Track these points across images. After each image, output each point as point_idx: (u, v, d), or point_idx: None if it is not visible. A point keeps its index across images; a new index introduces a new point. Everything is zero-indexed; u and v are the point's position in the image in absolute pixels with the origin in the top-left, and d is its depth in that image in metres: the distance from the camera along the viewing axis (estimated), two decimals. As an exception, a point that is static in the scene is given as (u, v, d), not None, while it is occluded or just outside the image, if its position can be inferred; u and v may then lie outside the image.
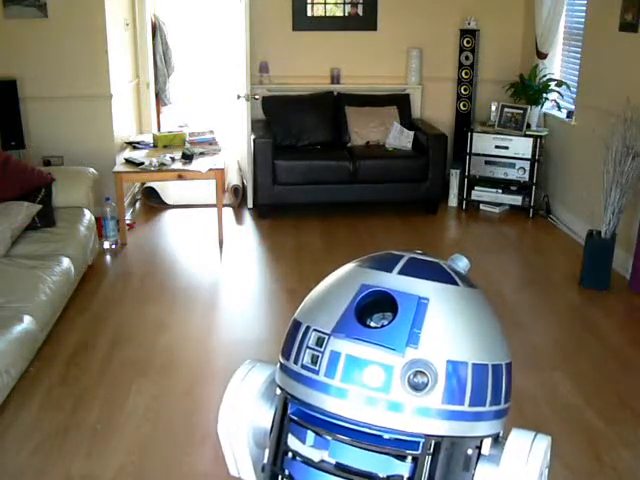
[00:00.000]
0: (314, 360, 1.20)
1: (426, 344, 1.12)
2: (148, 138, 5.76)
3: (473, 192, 5.81)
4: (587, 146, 5.00)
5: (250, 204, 5.82)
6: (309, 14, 6.16)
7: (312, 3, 6.14)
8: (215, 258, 4.80)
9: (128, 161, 5.06)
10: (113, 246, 4.88)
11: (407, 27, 6.23)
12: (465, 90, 6.20)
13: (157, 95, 6.77)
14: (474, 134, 5.72)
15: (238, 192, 5.94)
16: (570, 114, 5.38)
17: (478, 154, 5.73)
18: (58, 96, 5.08)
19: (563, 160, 5.46)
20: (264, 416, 1.32)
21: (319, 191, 5.55)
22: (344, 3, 6.18)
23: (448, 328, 1.16)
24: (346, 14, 6.22)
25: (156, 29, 6.66)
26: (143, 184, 5.97)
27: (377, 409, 1.13)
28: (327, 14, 6.21)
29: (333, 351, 1.17)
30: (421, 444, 1.15)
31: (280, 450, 1.26)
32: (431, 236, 5.26)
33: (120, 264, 4.69)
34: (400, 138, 5.78)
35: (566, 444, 2.74)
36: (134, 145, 5.57)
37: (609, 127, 4.18)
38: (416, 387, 1.10)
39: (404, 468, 1.15)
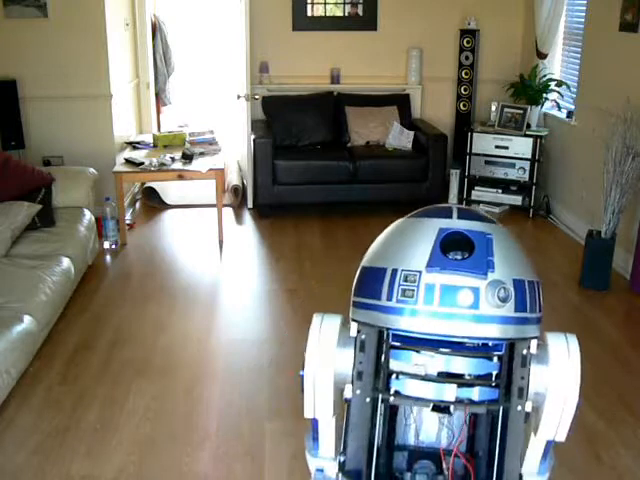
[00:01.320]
0: (408, 294, 1.56)
1: (498, 268, 1.55)
2: (148, 138, 5.77)
3: (473, 192, 5.81)
4: (587, 146, 5.00)
5: (250, 204, 5.82)
6: (309, 14, 6.17)
7: (312, 3, 6.14)
8: (215, 258, 4.80)
9: (128, 161, 5.06)
10: (113, 246, 4.88)
11: (407, 27, 6.23)
12: (465, 90, 6.20)
13: (157, 95, 6.77)
14: (474, 134, 5.72)
15: (238, 192, 5.94)
16: (570, 114, 5.38)
17: (478, 154, 5.73)
18: (58, 96, 5.08)
19: (563, 160, 5.46)
20: (343, 358, 1.71)
21: (319, 191, 5.55)
22: (344, 3, 6.18)
23: (509, 255, 1.60)
24: (346, 14, 6.22)
25: (156, 29, 6.66)
26: (143, 184, 5.97)
27: (470, 323, 1.53)
28: (327, 14, 6.21)
29: (428, 283, 1.55)
30: (504, 346, 1.61)
31: (381, 375, 1.62)
32: (431, 236, 5.25)
33: (120, 264, 4.69)
34: (400, 138, 5.78)
35: (566, 444, 2.73)
36: (134, 145, 5.57)
37: (609, 127, 4.18)
38: (503, 300, 1.52)
39: (493, 367, 1.61)
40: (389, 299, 1.58)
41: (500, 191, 5.73)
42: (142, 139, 5.76)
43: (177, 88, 7.23)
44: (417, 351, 1.62)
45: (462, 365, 1.61)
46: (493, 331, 1.56)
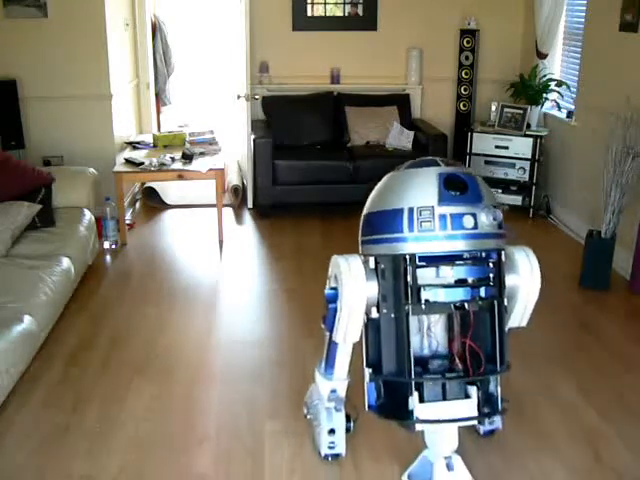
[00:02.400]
0: (426, 225, 2.10)
1: (485, 198, 2.17)
2: (148, 138, 5.76)
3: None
4: (587, 146, 5.00)
5: (250, 204, 5.82)
6: (309, 14, 6.17)
7: (312, 3, 6.14)
8: (215, 258, 4.80)
9: (128, 161, 5.06)
10: (113, 246, 4.88)
11: (407, 27, 6.24)
12: (465, 90, 6.20)
13: (157, 95, 6.77)
14: (474, 134, 5.72)
15: (238, 192, 5.94)
16: (570, 114, 5.38)
17: (478, 154, 5.73)
18: (58, 96, 5.08)
19: (563, 160, 5.46)
20: (371, 287, 2.22)
21: (319, 191, 5.55)
22: (344, 3, 6.19)
23: (486, 188, 2.22)
24: (346, 14, 6.22)
25: (156, 29, 6.66)
26: (143, 184, 5.97)
27: (473, 240, 2.12)
28: (327, 14, 6.21)
29: (441, 214, 2.10)
30: (496, 254, 2.22)
31: (412, 292, 2.14)
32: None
33: (120, 264, 4.69)
34: (400, 138, 5.78)
35: (566, 444, 2.74)
36: (134, 145, 5.57)
37: (609, 127, 4.18)
38: (495, 219, 2.13)
39: (490, 271, 2.22)
40: (411, 230, 2.13)
41: (500, 191, 5.72)
42: (142, 139, 5.76)
43: (177, 88, 7.23)
44: (437, 267, 2.17)
45: (470, 272, 2.19)
46: (490, 244, 2.19)
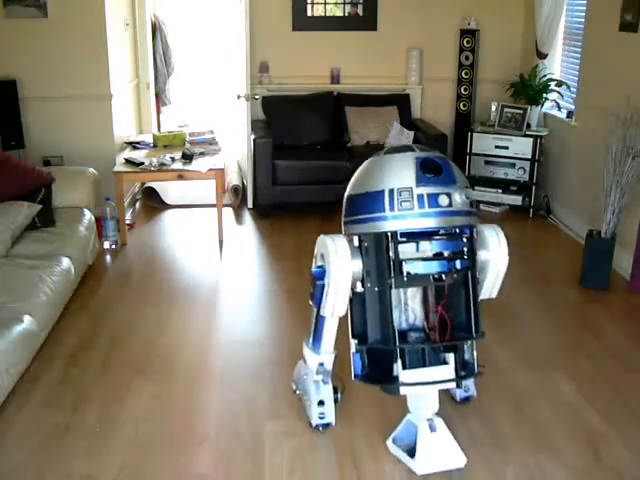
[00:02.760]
0: (405, 204, 2.32)
1: (457, 180, 2.44)
2: (148, 138, 5.76)
3: (473, 192, 5.80)
4: (587, 146, 5.00)
5: (250, 204, 5.82)
6: (309, 14, 6.17)
7: (312, 3, 6.14)
8: (215, 258, 4.80)
9: (128, 161, 5.06)
10: (113, 246, 4.88)
11: (407, 27, 6.24)
12: (465, 90, 6.20)
13: (157, 95, 6.77)
14: (474, 134, 5.72)
15: (238, 192, 5.94)
16: (570, 114, 5.38)
17: (478, 154, 5.73)
18: (58, 96, 5.08)
19: (563, 160, 5.46)
20: (356, 263, 2.44)
21: (319, 191, 5.55)
22: (344, 3, 6.19)
23: (457, 171, 2.49)
24: (346, 14, 6.22)
25: (156, 29, 6.66)
26: (143, 184, 5.97)
27: (449, 217, 2.35)
28: (327, 14, 6.21)
29: (419, 194, 2.33)
30: (469, 230, 2.46)
31: (394, 266, 2.36)
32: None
33: (120, 264, 4.69)
34: (400, 138, 5.78)
35: (566, 444, 2.74)
36: (134, 145, 5.57)
37: (609, 127, 4.18)
38: (468, 198, 2.39)
39: (464, 246, 2.46)
40: (392, 210, 2.36)
41: (500, 191, 5.72)
42: (142, 139, 5.76)
43: (177, 88, 7.23)
44: (417, 242, 2.41)
45: (447, 246, 2.44)
46: (463, 221, 2.44)
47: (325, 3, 6.17)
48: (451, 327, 2.52)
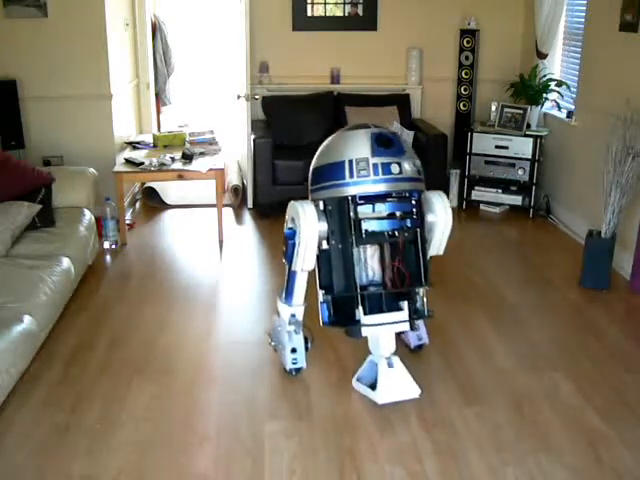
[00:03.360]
0: (363, 172, 2.77)
1: (406, 151, 2.90)
2: (148, 138, 5.76)
3: (473, 192, 5.81)
4: (587, 146, 5.00)
5: (250, 204, 5.82)
6: (309, 14, 6.17)
7: (312, 3, 6.14)
8: (215, 258, 4.80)
9: (128, 161, 5.06)
10: (113, 246, 4.88)
11: (407, 27, 6.24)
12: (465, 90, 6.21)
13: (157, 95, 6.77)
14: (474, 134, 5.72)
15: (238, 192, 5.94)
16: (570, 114, 5.38)
17: (478, 154, 5.73)
18: (58, 96, 5.08)
19: (563, 160, 5.46)
20: (322, 225, 2.88)
21: (319, 191, 5.53)
22: (344, 3, 6.19)
23: (406, 144, 2.93)
24: (346, 14, 6.22)
25: (156, 29, 6.66)
26: (143, 184, 5.97)
27: (400, 183, 2.80)
28: (327, 14, 6.21)
29: (374, 163, 2.78)
30: (417, 194, 2.90)
31: (354, 225, 2.81)
32: (431, 236, 5.25)
33: (120, 264, 4.69)
34: (400, 138, 5.77)
35: (566, 444, 2.74)
36: (134, 145, 5.57)
37: (609, 127, 4.18)
38: (415, 166, 2.85)
39: (413, 207, 2.89)
40: (351, 177, 2.82)
41: (500, 191, 5.73)
42: (142, 139, 5.76)
43: (177, 88, 7.23)
44: (373, 204, 2.85)
45: (398, 207, 2.88)
46: (412, 186, 2.88)
47: (325, 3, 6.17)
48: (409, 278, 2.97)
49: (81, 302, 3.99)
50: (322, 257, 2.96)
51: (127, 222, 5.14)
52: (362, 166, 2.81)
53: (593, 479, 2.54)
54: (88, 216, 4.46)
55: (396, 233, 2.89)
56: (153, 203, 5.93)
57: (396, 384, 2.97)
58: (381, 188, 2.83)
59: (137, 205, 5.94)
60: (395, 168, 2.82)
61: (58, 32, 4.94)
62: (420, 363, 3.35)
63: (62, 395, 3.05)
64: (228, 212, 5.72)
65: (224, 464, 2.62)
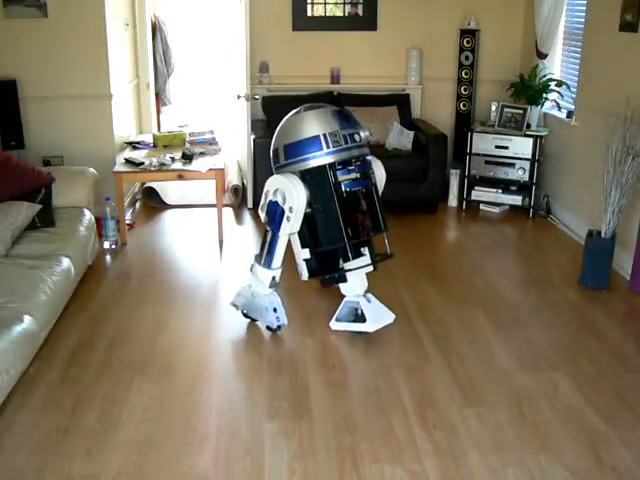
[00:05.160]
0: (336, 143, 3.29)
1: (359, 123, 3.48)
2: (148, 138, 5.76)
3: (473, 192, 5.81)
4: (587, 146, 5.00)
5: (250, 204, 5.82)
6: (309, 14, 6.17)
7: (312, 3, 6.14)
8: (215, 258, 4.80)
9: (128, 161, 5.06)
10: (113, 246, 4.88)
11: (407, 27, 6.24)
12: (465, 90, 6.21)
13: (157, 95, 6.77)
14: (474, 134, 5.72)
15: (238, 192, 5.94)
16: (570, 114, 5.38)
17: (478, 154, 5.73)
18: (58, 96, 5.08)
19: (563, 160, 5.46)
20: (306, 191, 3.32)
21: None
22: (344, 3, 6.19)
23: (354, 116, 3.54)
24: (346, 14, 6.22)
25: (156, 29, 6.66)
26: (143, 184, 5.97)
27: (361, 149, 3.40)
28: (327, 14, 6.21)
29: (343, 134, 3.32)
30: (369, 157, 3.50)
31: (335, 188, 3.29)
32: (431, 236, 5.25)
33: (120, 264, 4.69)
34: (400, 138, 5.78)
35: (566, 444, 2.74)
36: (134, 145, 5.57)
37: (609, 127, 4.18)
38: (366, 135, 3.44)
39: (369, 168, 3.48)
40: (328, 147, 3.28)
41: (500, 191, 5.73)
42: (142, 139, 5.76)
43: (177, 88, 7.23)
44: (347, 168, 3.32)
45: (362, 169, 3.38)
46: (367, 151, 3.44)
47: (325, 3, 6.17)
48: (370, 227, 3.45)
49: (81, 302, 3.99)
50: (304, 221, 3.38)
51: (127, 222, 5.14)
52: (335, 138, 3.28)
53: (593, 479, 2.54)
54: (88, 216, 4.46)
55: (363, 190, 3.38)
56: (153, 203, 5.93)
57: (378, 313, 3.57)
58: (352, 154, 3.32)
59: (137, 205, 5.94)
60: (357, 137, 3.35)
61: (58, 32, 4.95)
62: (421, 363, 3.36)
63: (62, 395, 3.05)
64: (228, 212, 5.72)
65: (224, 464, 2.62)
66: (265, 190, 3.45)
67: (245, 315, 3.75)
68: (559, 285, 4.32)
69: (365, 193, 3.40)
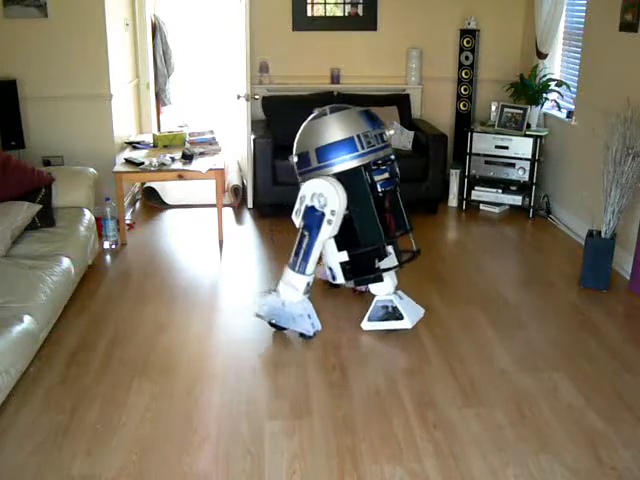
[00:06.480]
0: (371, 143, 3.29)
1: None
2: (148, 138, 5.76)
3: (473, 192, 5.81)
4: (587, 146, 5.00)
5: (250, 204, 5.82)
6: (309, 14, 6.17)
7: (312, 3, 6.14)
8: (215, 258, 4.80)
9: (128, 161, 5.06)
10: (113, 246, 4.88)
11: (407, 27, 6.24)
12: (465, 90, 6.21)
13: (157, 95, 6.77)
14: (474, 134, 5.72)
15: (238, 192, 5.94)
16: (570, 114, 5.38)
17: (478, 154, 5.73)
18: (58, 96, 5.09)
19: (563, 160, 5.46)
20: (344, 189, 3.32)
21: (319, 191, 5.54)
22: (344, 3, 6.19)
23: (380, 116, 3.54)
24: (346, 14, 6.22)
25: (156, 29, 6.67)
26: (143, 184, 5.97)
27: (388, 148, 3.40)
28: (327, 14, 6.21)
29: (374, 134, 3.32)
30: (395, 156, 3.47)
31: (372, 188, 3.31)
32: (431, 236, 5.25)
33: (120, 264, 4.69)
34: (400, 138, 5.78)
35: (566, 444, 2.74)
36: (134, 145, 5.57)
37: (609, 127, 4.18)
38: (390, 134, 3.44)
39: (396, 167, 3.46)
40: (362, 148, 3.26)
41: (500, 191, 5.73)
42: (142, 139, 5.76)
43: (177, 88, 7.23)
44: (381, 169, 3.35)
45: (392, 169, 3.41)
46: (392, 150, 3.44)
47: (325, 3, 6.17)
48: (396, 226, 3.51)
49: (81, 302, 3.99)
50: (342, 223, 3.39)
51: (127, 222, 5.14)
52: (368, 138, 3.26)
53: (593, 479, 2.54)
54: (88, 216, 4.46)
55: (392, 189, 3.44)
56: (153, 203, 5.93)
57: (411, 309, 3.62)
58: (385, 154, 3.34)
59: (137, 205, 5.94)
60: (385, 136, 3.37)
61: (58, 32, 4.95)
62: (421, 363, 3.36)
63: (62, 395, 3.05)
64: (228, 212, 5.72)
65: (224, 464, 2.62)
66: (301, 195, 3.38)
67: (273, 325, 3.63)
68: (559, 285, 4.32)
69: (390, 192, 3.43)
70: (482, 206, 5.84)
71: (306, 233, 3.40)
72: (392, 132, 3.44)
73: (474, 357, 3.42)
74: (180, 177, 5.00)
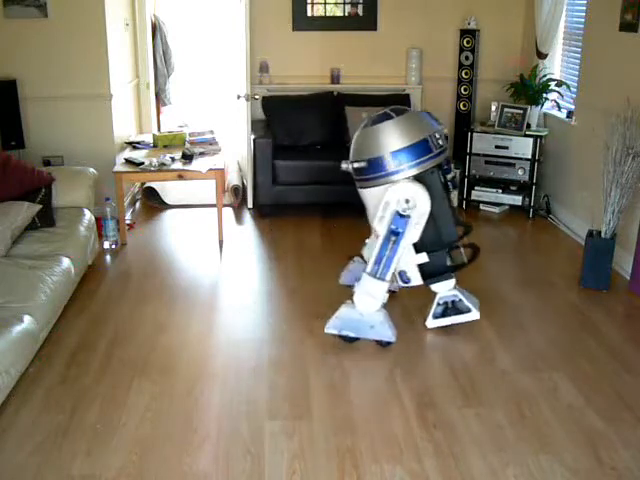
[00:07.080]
0: (439, 143, 3.33)
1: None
2: (148, 138, 5.76)
3: (473, 192, 5.81)
4: (587, 146, 5.00)
5: (250, 204, 5.82)
6: (309, 14, 6.17)
7: (312, 3, 6.14)
8: (215, 258, 4.80)
9: (128, 161, 5.06)
10: (113, 246, 4.88)
11: (407, 27, 6.23)
12: (465, 90, 6.20)
13: (157, 95, 6.77)
14: (474, 134, 5.72)
15: (238, 192, 5.94)
16: (570, 114, 5.38)
17: (478, 154, 5.73)
18: (58, 96, 5.09)
19: (563, 160, 5.46)
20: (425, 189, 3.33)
21: (319, 191, 5.55)
22: (344, 3, 6.18)
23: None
24: (346, 14, 6.22)
25: (156, 29, 6.67)
26: (143, 184, 5.97)
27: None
28: (327, 14, 6.21)
29: (442, 134, 3.37)
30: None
31: (445, 188, 3.46)
32: (431, 236, 5.25)
33: (120, 264, 4.69)
34: (400, 138, 5.77)
35: (566, 444, 2.74)
36: (134, 145, 5.57)
37: (609, 127, 4.18)
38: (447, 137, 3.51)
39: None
40: (436, 149, 3.29)
41: (500, 191, 5.73)
42: (142, 139, 5.76)
43: (177, 88, 7.23)
44: (449, 168, 3.47)
45: (450, 170, 3.49)
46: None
47: (325, 3, 6.17)
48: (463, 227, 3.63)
49: (81, 302, 3.99)
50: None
51: (127, 222, 5.14)
52: (437, 139, 3.30)
53: (593, 479, 2.54)
54: (88, 216, 4.46)
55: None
56: (153, 203, 5.93)
57: (471, 300, 3.66)
58: (448, 153, 3.43)
59: (137, 205, 5.94)
60: (445, 135, 3.42)
61: (58, 32, 4.95)
62: (421, 363, 3.35)
63: (62, 395, 3.05)
64: (228, 212, 5.72)
65: (224, 464, 2.62)
66: (385, 200, 3.28)
67: (347, 338, 3.49)
68: (559, 285, 4.32)
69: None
70: (482, 206, 5.84)
71: (393, 238, 3.33)
72: (446, 131, 3.50)
73: (474, 357, 3.42)
74: (180, 177, 5.00)
